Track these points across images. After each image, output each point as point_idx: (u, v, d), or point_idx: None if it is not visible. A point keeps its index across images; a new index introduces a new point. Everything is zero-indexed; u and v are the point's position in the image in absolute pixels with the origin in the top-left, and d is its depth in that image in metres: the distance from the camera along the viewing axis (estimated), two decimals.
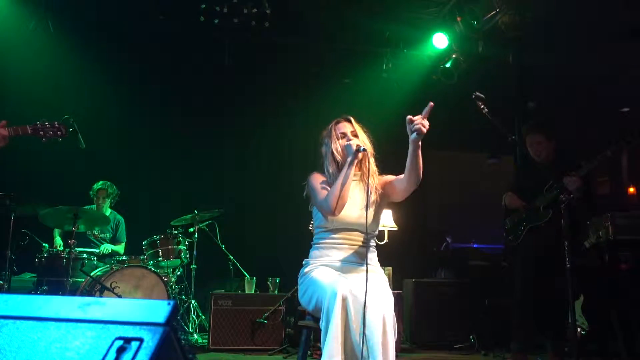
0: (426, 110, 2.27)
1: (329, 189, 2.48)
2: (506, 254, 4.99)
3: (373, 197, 2.54)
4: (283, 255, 5.31)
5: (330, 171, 2.55)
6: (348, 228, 2.50)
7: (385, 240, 4.64)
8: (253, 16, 5.37)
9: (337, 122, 2.63)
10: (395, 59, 6.41)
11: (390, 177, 2.58)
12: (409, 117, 2.27)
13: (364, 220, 2.47)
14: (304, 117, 6.10)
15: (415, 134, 2.28)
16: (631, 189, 7.11)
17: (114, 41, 5.83)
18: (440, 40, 5.95)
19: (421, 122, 2.24)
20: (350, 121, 2.62)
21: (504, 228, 4.13)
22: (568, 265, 3.12)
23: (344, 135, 2.57)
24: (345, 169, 2.44)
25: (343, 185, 2.40)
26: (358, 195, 2.53)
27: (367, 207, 2.41)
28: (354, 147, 2.46)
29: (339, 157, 2.55)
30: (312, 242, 2.63)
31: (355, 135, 2.57)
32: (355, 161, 2.48)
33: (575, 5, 5.12)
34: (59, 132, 3.00)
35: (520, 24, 5.46)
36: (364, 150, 2.47)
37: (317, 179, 2.57)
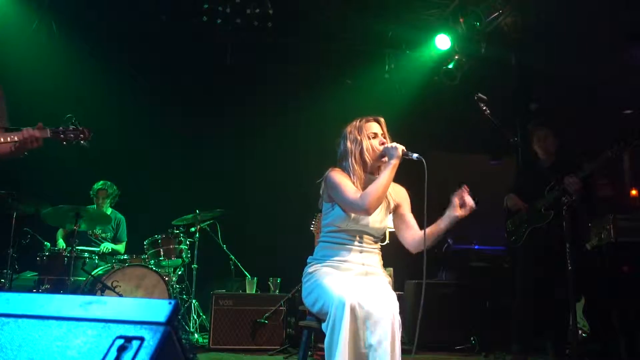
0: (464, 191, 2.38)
1: (354, 186, 2.42)
2: (508, 256, 4.99)
3: (392, 204, 2.55)
4: (284, 255, 5.31)
5: (356, 169, 2.48)
6: (363, 231, 2.48)
7: (387, 241, 4.63)
8: (255, 16, 5.37)
9: (367, 121, 2.55)
10: (397, 60, 6.41)
11: (406, 210, 2.58)
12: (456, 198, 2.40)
13: (377, 225, 2.48)
14: (306, 117, 6.11)
15: (458, 214, 2.40)
16: (633, 192, 7.10)
17: (116, 41, 5.83)
18: (442, 42, 5.94)
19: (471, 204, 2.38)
20: (380, 123, 2.56)
21: (506, 230, 4.13)
22: (569, 267, 3.11)
23: (375, 135, 2.51)
24: (389, 170, 2.37)
25: (386, 186, 2.37)
26: None
27: (388, 212, 2.40)
28: (400, 152, 2.39)
29: (368, 157, 2.48)
30: (319, 240, 2.58)
31: (385, 138, 2.52)
32: (398, 164, 2.41)
33: (577, 6, 5.11)
34: (81, 135, 2.95)
35: (523, 26, 5.46)
36: (419, 158, 2.39)
37: (342, 175, 2.48)
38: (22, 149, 2.72)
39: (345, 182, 2.43)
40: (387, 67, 6.42)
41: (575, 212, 3.48)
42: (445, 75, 6.05)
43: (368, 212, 2.36)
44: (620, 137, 3.35)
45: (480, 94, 3.05)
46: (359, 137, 2.50)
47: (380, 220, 2.49)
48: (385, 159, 2.43)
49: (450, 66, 5.99)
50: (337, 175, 2.46)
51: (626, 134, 3.34)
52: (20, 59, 5.44)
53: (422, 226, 2.42)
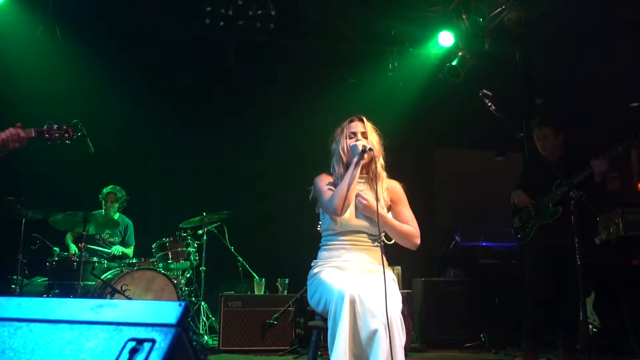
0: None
1: (334, 189, 2.48)
2: (517, 252, 4.97)
3: (386, 202, 2.54)
4: (292, 256, 5.31)
5: (337, 170, 2.56)
6: (356, 230, 2.49)
7: (394, 240, 4.62)
8: (258, 18, 5.38)
9: (351, 121, 2.61)
10: (401, 58, 6.39)
11: (401, 207, 2.57)
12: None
13: (370, 224, 2.47)
14: (310, 117, 6.11)
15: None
16: None
17: (120, 45, 5.86)
18: (446, 38, 5.93)
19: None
20: (362, 121, 2.60)
21: (513, 226, 4.11)
22: (579, 262, 3.10)
23: (354, 134, 2.56)
24: (351, 169, 2.44)
25: (348, 185, 2.40)
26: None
27: (377, 208, 2.39)
28: (360, 148, 2.45)
29: (344, 157, 2.55)
30: (320, 244, 2.63)
31: (365, 136, 2.55)
32: (362, 162, 2.47)
33: (580, 2, 5.08)
34: (65, 135, 2.92)
35: (526, 21, 5.43)
36: (370, 150, 2.45)
37: (323, 180, 2.58)
38: (3, 148, 2.72)
39: (323, 188, 2.53)
40: (390, 65, 6.40)
41: (584, 207, 3.46)
42: (449, 72, 6.03)
43: (337, 213, 2.41)
44: (631, 132, 3.34)
45: (485, 90, 3.04)
46: (339, 138, 2.60)
47: (368, 218, 2.47)
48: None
49: (454, 63, 5.97)
50: (319, 182, 2.58)
51: (636, 130, 3.33)
52: (25, 64, 5.48)
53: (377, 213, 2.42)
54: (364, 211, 2.44)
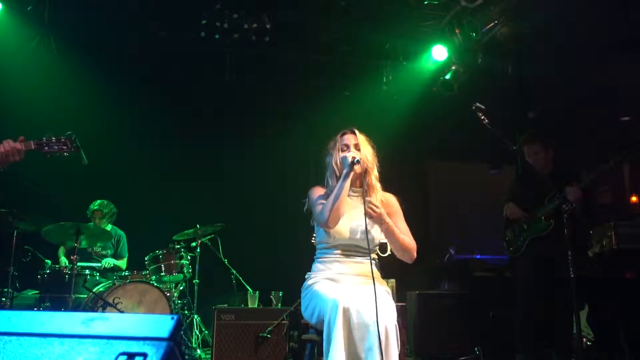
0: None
1: (326, 202, 2.48)
2: (510, 265, 4.97)
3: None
4: (286, 268, 5.29)
5: (330, 182, 2.57)
6: (349, 244, 2.50)
7: (388, 252, 4.62)
8: (253, 31, 5.42)
9: (343, 134, 2.64)
10: (395, 72, 6.44)
11: (396, 220, 2.57)
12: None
13: (364, 237, 2.46)
14: (305, 130, 6.13)
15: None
16: (634, 198, 7.10)
17: (115, 58, 5.87)
18: (439, 52, 5.98)
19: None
20: (354, 133, 2.61)
21: (505, 239, 4.12)
22: (572, 275, 3.11)
23: (346, 147, 2.58)
24: (341, 181, 2.45)
25: (337, 197, 2.41)
26: (359, 210, 2.50)
27: (365, 221, 2.39)
28: (350, 159, 2.46)
29: (337, 170, 2.56)
30: (314, 257, 2.62)
31: (358, 148, 2.56)
32: (352, 173, 2.47)
33: (574, 15, 5.14)
34: (64, 147, 2.91)
35: (519, 36, 5.49)
36: (358, 161, 2.46)
37: (316, 193, 2.59)
38: (3, 162, 2.70)
39: (316, 200, 2.54)
40: (384, 78, 6.44)
41: (576, 220, 3.48)
42: (442, 85, 6.07)
43: (328, 225, 2.43)
44: (622, 147, 3.36)
45: (478, 104, 3.07)
46: (332, 151, 2.62)
47: (362, 231, 2.47)
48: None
49: (448, 77, 6.01)
50: (313, 194, 2.60)
51: (626, 145, 3.35)
52: (21, 75, 5.47)
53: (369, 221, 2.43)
54: (374, 220, 2.43)
